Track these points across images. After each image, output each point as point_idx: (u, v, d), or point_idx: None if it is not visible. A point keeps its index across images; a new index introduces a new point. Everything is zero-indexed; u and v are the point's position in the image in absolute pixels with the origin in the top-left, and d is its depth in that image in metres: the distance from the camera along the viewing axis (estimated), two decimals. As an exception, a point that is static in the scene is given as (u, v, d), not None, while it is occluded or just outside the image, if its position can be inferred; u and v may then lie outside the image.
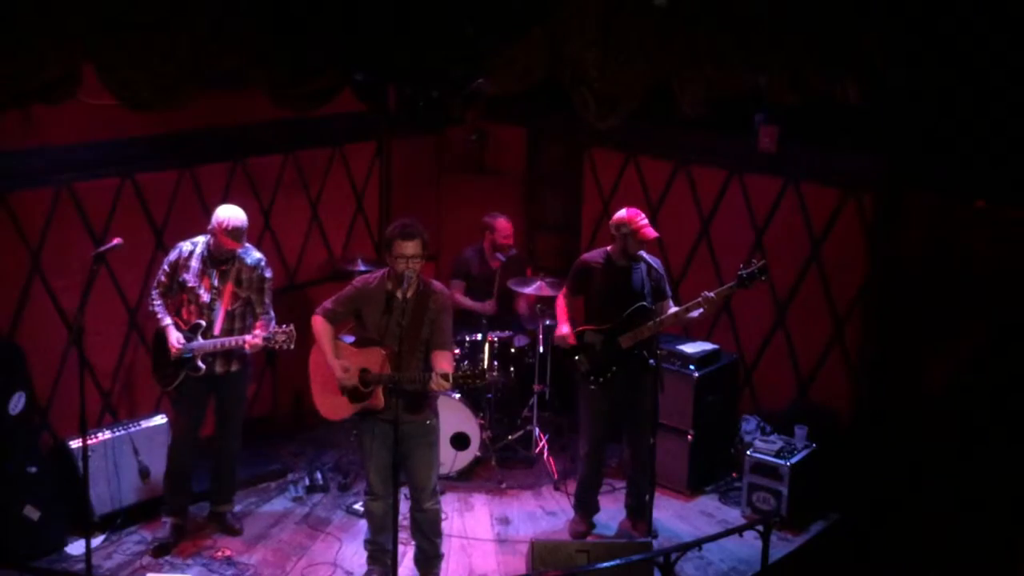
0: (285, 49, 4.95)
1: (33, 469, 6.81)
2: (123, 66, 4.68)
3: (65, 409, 7.18)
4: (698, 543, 6.05)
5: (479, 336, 8.08)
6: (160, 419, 7.45)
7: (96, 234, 7.37)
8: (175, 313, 6.88)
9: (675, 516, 7.64)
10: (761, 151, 7.96)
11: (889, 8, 5.39)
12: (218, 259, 6.77)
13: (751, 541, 6.51)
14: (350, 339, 6.44)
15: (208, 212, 7.71)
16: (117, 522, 7.16)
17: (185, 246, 6.84)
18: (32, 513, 6.75)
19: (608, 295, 6.98)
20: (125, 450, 7.28)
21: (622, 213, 6.97)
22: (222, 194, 8.09)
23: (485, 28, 5.02)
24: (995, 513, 7.10)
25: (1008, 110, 6.40)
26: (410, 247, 6.03)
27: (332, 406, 6.42)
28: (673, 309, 6.92)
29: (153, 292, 6.88)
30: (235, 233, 6.63)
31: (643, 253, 7.00)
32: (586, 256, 7.16)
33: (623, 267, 6.98)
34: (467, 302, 8.43)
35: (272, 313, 6.92)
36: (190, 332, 6.76)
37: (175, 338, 6.71)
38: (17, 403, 6.73)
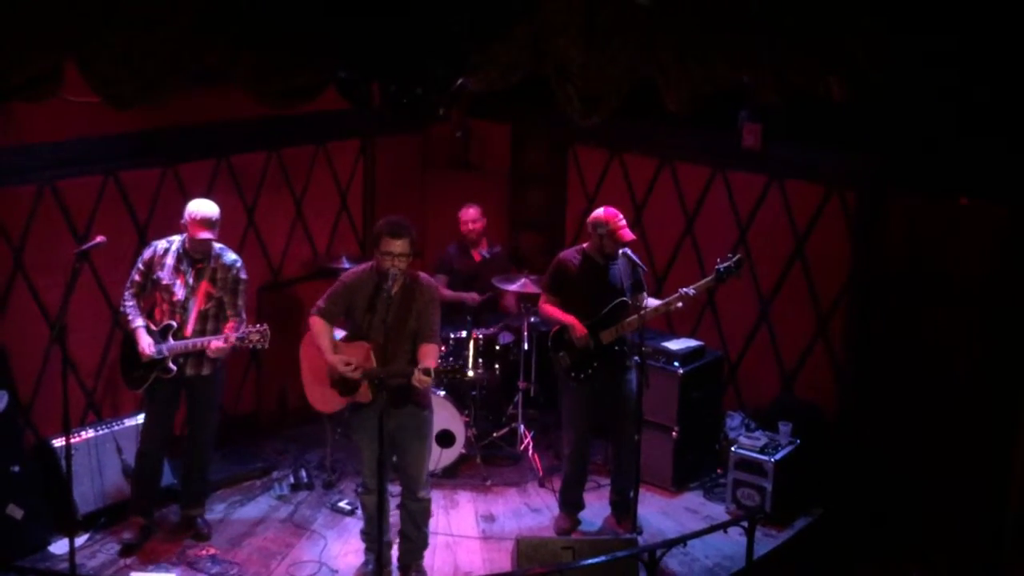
0: (267, 46, 4.94)
1: (16, 468, 6.78)
2: (105, 63, 4.66)
3: (48, 408, 7.15)
4: (683, 539, 6.06)
5: (463, 333, 8.08)
6: (143, 418, 7.42)
7: (79, 232, 7.34)
8: (148, 314, 6.82)
9: (660, 512, 7.65)
10: (745, 148, 7.98)
11: (873, 6, 5.40)
12: (194, 257, 6.74)
13: (736, 537, 6.52)
14: (341, 334, 6.46)
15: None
16: (101, 521, 7.12)
17: (160, 244, 6.80)
18: (15, 512, 6.73)
19: (586, 292, 6.98)
20: (108, 449, 7.25)
21: (599, 212, 6.97)
22: (206, 191, 8.05)
23: (469, 25, 5.02)
24: (978, 508, 7.15)
25: (991, 106, 6.43)
26: (398, 245, 6.03)
27: (323, 398, 6.47)
28: (653, 303, 6.93)
29: (126, 293, 6.81)
30: (205, 222, 6.59)
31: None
32: (563, 255, 7.16)
33: (600, 264, 6.99)
34: (450, 293, 8.43)
35: (244, 316, 6.87)
36: (160, 334, 6.69)
37: (146, 343, 6.63)
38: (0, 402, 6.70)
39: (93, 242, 6.32)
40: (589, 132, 8.14)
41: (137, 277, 6.79)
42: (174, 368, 6.70)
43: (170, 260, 6.74)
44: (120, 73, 4.70)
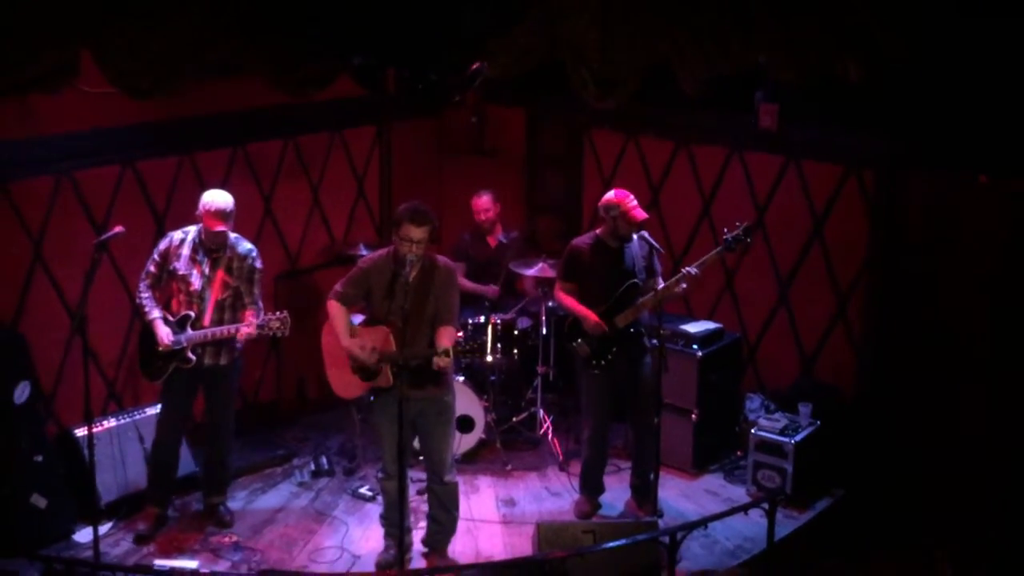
0: (282, 34, 4.93)
1: (39, 458, 6.82)
2: (121, 55, 4.67)
3: (70, 398, 7.20)
4: (704, 522, 6.05)
5: (482, 318, 8.08)
6: (160, 408, 7.43)
7: (97, 222, 7.37)
8: (164, 306, 6.83)
9: (680, 495, 7.65)
10: (762, 129, 7.93)
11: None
12: (209, 247, 6.74)
13: (756, 519, 6.53)
14: (359, 319, 6.48)
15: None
16: (123, 510, 7.16)
17: (176, 235, 6.81)
18: (39, 501, 6.77)
19: (600, 277, 6.96)
20: (130, 437, 7.30)
21: (610, 195, 6.95)
22: (223, 180, 8.08)
23: (484, 10, 5.01)
24: (1001, 490, 7.12)
25: (1009, 83, 6.38)
26: (419, 232, 6.04)
27: (344, 384, 6.51)
28: (661, 285, 6.90)
29: (141, 284, 6.82)
30: (220, 214, 6.60)
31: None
32: (576, 241, 7.14)
33: (614, 248, 6.97)
34: (470, 285, 8.42)
35: (261, 304, 6.88)
36: (178, 323, 6.71)
37: (164, 333, 6.65)
38: (22, 392, 6.74)
39: (111, 232, 6.35)
40: (605, 116, 8.12)
41: (153, 268, 6.81)
42: (193, 358, 6.72)
43: (186, 251, 6.75)
44: (136, 64, 4.71)
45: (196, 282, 6.73)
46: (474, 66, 5.57)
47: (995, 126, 6.62)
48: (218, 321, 6.76)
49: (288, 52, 5.00)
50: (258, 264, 6.87)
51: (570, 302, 7.02)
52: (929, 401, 7.43)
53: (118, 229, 6.36)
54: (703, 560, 6.87)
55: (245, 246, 6.86)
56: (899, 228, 7.54)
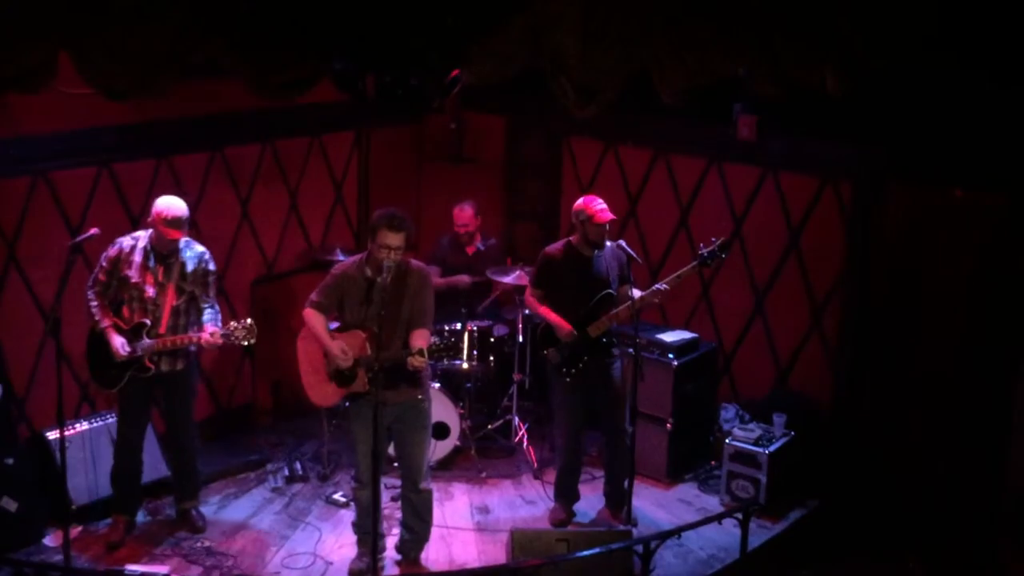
0: (262, 38, 4.92)
1: (10, 461, 6.76)
2: (99, 55, 4.64)
3: (42, 400, 7.14)
4: (678, 531, 6.07)
5: (458, 325, 8.07)
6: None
7: (73, 224, 7.33)
8: (115, 311, 6.70)
9: (654, 504, 7.66)
10: (740, 140, 7.97)
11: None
12: (161, 253, 6.62)
13: (730, 529, 6.55)
14: (334, 325, 6.46)
15: (187, 201, 7.66)
16: (95, 514, 7.11)
17: (126, 241, 6.67)
18: (9, 504, 6.71)
19: (571, 284, 6.97)
20: (103, 441, 7.24)
21: (579, 201, 6.97)
22: (200, 183, 8.06)
23: (465, 16, 5.01)
24: (973, 499, 7.16)
25: (985, 97, 6.43)
26: (396, 239, 6.04)
27: (320, 392, 6.49)
28: (636, 294, 6.87)
29: (89, 292, 6.68)
30: (175, 223, 6.50)
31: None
32: (548, 249, 7.15)
33: (586, 256, 6.98)
34: (441, 280, 8.36)
35: (216, 306, 6.81)
36: (133, 332, 6.60)
37: (120, 343, 6.54)
38: (-6, 394, 6.71)
39: (87, 234, 6.30)
40: (584, 124, 8.09)
41: (102, 276, 6.66)
42: (152, 367, 6.62)
43: (137, 257, 6.61)
44: (114, 65, 4.68)
45: (150, 290, 6.60)
46: (454, 73, 5.57)
47: (971, 139, 6.68)
48: (174, 327, 6.66)
49: (268, 55, 4.98)
50: (211, 267, 6.78)
51: (543, 310, 7.03)
52: (903, 412, 7.47)
53: (93, 231, 6.31)
54: (677, 570, 6.88)
55: (197, 249, 6.75)
56: (875, 240, 7.59)
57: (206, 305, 6.75)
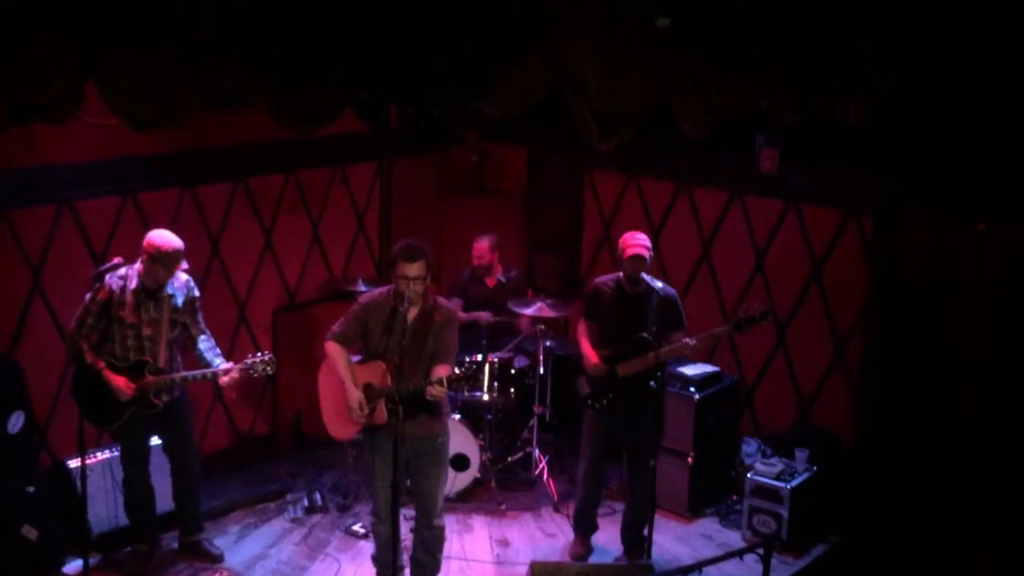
0: (285, 68, 4.95)
1: (31, 489, 6.77)
2: (125, 85, 4.69)
3: (64, 428, 7.16)
4: (698, 566, 6.01)
5: (479, 356, 8.06)
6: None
7: (97, 253, 7.37)
8: (107, 350, 6.56)
9: (675, 539, 7.61)
10: (763, 173, 7.96)
11: (890, 27, 5.39)
12: (150, 289, 6.54)
13: (752, 564, 6.44)
14: (357, 358, 6.43)
15: (209, 231, 7.72)
16: (115, 543, 7.09)
17: (114, 283, 6.53)
18: (30, 532, 6.72)
19: (615, 322, 6.94)
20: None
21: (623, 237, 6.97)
22: (223, 213, 8.11)
23: (487, 48, 5.03)
24: (997, 537, 7.08)
25: (1010, 128, 6.40)
26: (413, 268, 6.02)
27: (340, 425, 6.40)
28: (670, 345, 6.80)
29: (78, 335, 6.51)
30: (175, 256, 6.46)
31: (657, 283, 6.92)
32: (599, 280, 7.12)
33: (633, 295, 6.93)
34: (463, 315, 8.36)
35: (208, 332, 6.79)
36: (134, 370, 6.52)
37: (123, 382, 6.46)
38: (16, 422, 6.70)
39: (110, 263, 6.32)
40: (606, 156, 8.11)
41: (90, 320, 6.52)
42: (160, 404, 6.60)
43: (129, 299, 6.52)
44: (139, 95, 4.72)
45: (147, 329, 6.54)
46: (476, 104, 5.59)
47: (994, 171, 6.65)
48: (169, 359, 6.63)
49: (292, 84, 5.02)
50: (196, 292, 6.74)
51: (581, 337, 7.04)
52: (928, 447, 7.40)
53: (117, 260, 6.33)
54: (697, 604, 6.82)
55: (182, 278, 6.69)
56: (897, 273, 7.55)
57: (201, 336, 6.75)
